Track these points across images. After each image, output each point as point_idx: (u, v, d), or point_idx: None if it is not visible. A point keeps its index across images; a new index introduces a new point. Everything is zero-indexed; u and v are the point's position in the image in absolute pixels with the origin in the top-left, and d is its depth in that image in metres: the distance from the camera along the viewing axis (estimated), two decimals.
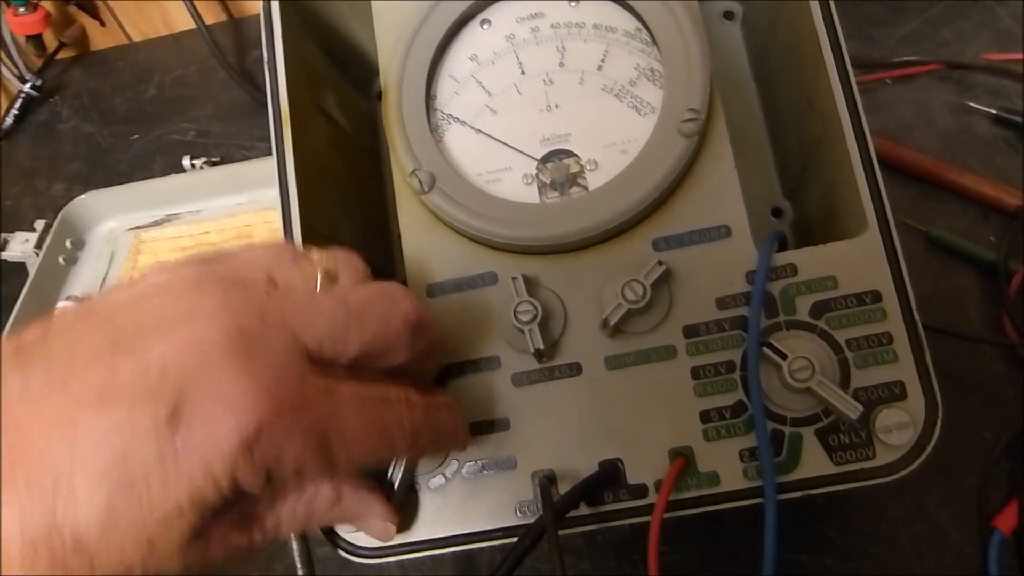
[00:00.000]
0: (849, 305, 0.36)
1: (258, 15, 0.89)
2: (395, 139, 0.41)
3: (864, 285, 0.37)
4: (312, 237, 0.43)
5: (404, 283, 0.41)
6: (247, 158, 0.79)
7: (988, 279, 0.56)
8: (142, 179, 0.78)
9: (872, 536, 0.48)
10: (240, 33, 0.91)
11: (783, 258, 0.37)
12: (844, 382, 0.36)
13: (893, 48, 0.71)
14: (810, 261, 0.37)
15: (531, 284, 0.38)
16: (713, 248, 0.38)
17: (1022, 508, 0.46)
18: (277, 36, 0.45)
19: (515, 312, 0.37)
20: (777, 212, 0.49)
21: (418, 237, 0.41)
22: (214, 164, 0.78)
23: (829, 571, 0.47)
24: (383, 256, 0.49)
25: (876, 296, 0.36)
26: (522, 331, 0.37)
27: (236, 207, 0.74)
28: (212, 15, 0.91)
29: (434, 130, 0.42)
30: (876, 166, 0.38)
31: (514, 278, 0.38)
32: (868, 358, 0.36)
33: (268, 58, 0.45)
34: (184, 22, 0.92)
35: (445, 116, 0.42)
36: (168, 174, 0.79)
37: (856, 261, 0.37)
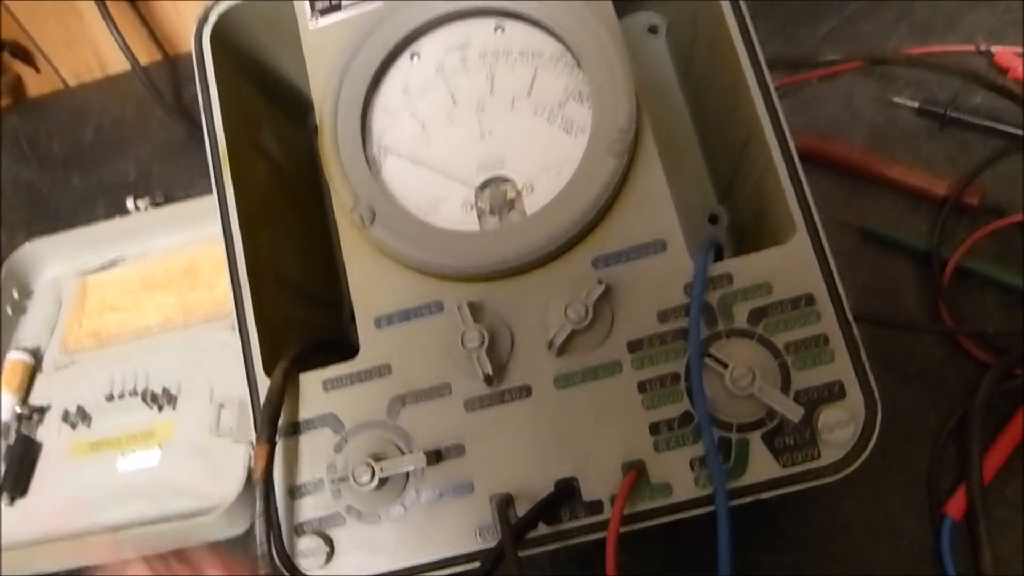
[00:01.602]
0: (785, 310, 0.38)
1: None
2: (333, 175, 0.41)
3: (797, 289, 0.38)
4: (257, 273, 0.43)
5: (352, 315, 0.41)
6: (190, 195, 0.78)
7: (922, 267, 0.58)
8: (85, 222, 0.77)
9: (827, 530, 0.49)
10: (175, 71, 0.90)
11: (719, 268, 0.39)
12: (785, 385, 0.37)
13: (816, 46, 0.72)
14: (744, 269, 0.38)
15: (476, 310, 0.39)
16: (650, 263, 0.39)
17: (970, 493, 0.47)
18: (210, 79, 0.45)
19: (462, 339, 0.37)
20: (714, 218, 0.50)
21: (363, 270, 0.41)
22: (158, 204, 0.78)
23: (787, 568, 0.48)
24: (329, 286, 0.49)
25: (810, 299, 0.38)
26: (470, 358, 0.37)
27: (181, 245, 0.74)
28: (146, 54, 0.90)
29: (371, 163, 0.42)
30: (800, 170, 0.39)
31: (459, 306, 0.38)
32: (806, 360, 0.37)
33: (203, 102, 0.45)
34: (119, 63, 0.91)
35: (381, 149, 0.43)
36: (111, 215, 0.78)
37: (788, 266, 0.38)
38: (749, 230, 0.46)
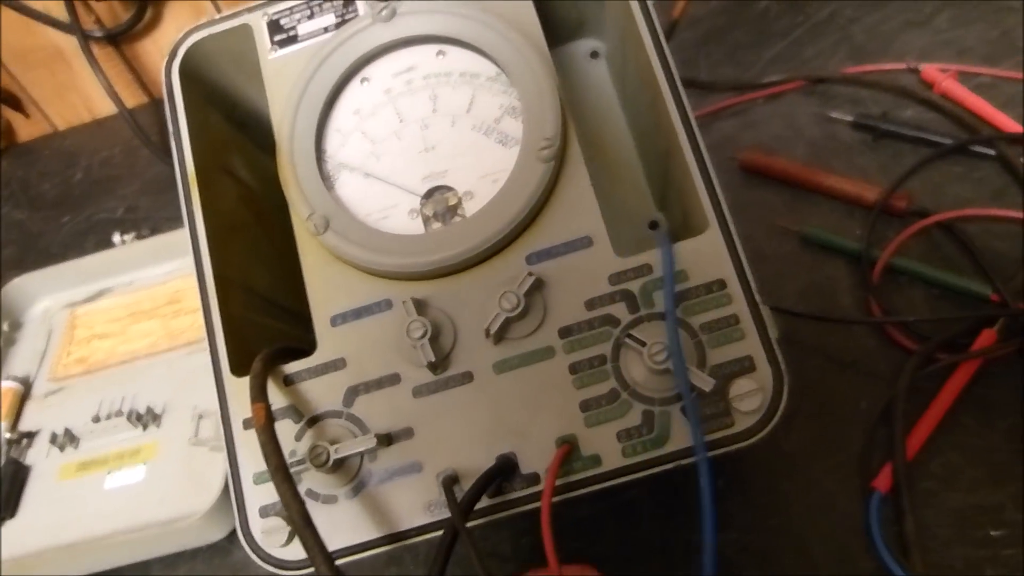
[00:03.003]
0: (699, 294, 0.41)
1: None
2: (290, 189, 0.45)
3: (710, 275, 0.42)
4: (225, 284, 0.47)
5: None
6: (175, 228, 0.82)
7: (856, 268, 0.61)
8: (75, 258, 0.81)
9: (769, 508, 0.52)
10: (160, 112, 0.95)
11: (638, 259, 0.42)
12: (701, 362, 0.40)
13: (762, 69, 0.77)
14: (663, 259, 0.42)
15: (421, 305, 0.42)
16: (578, 257, 0.43)
17: (895, 468, 0.50)
18: (179, 109, 0.49)
19: (407, 331, 0.41)
20: (654, 224, 0.54)
21: (319, 274, 0.45)
22: (143, 238, 0.82)
23: (733, 545, 0.51)
24: (295, 296, 0.53)
25: (721, 284, 0.41)
26: (416, 348, 0.41)
27: (166, 275, 0.78)
28: (132, 98, 0.95)
29: (326, 178, 0.46)
30: (711, 170, 0.43)
31: (404, 302, 0.42)
32: (720, 338, 0.41)
33: (172, 129, 0.49)
34: (107, 107, 0.96)
35: (335, 164, 0.47)
36: (100, 251, 0.82)
37: (702, 255, 0.42)
38: (680, 233, 0.50)
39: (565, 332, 0.42)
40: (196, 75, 0.51)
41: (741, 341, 0.41)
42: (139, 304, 0.77)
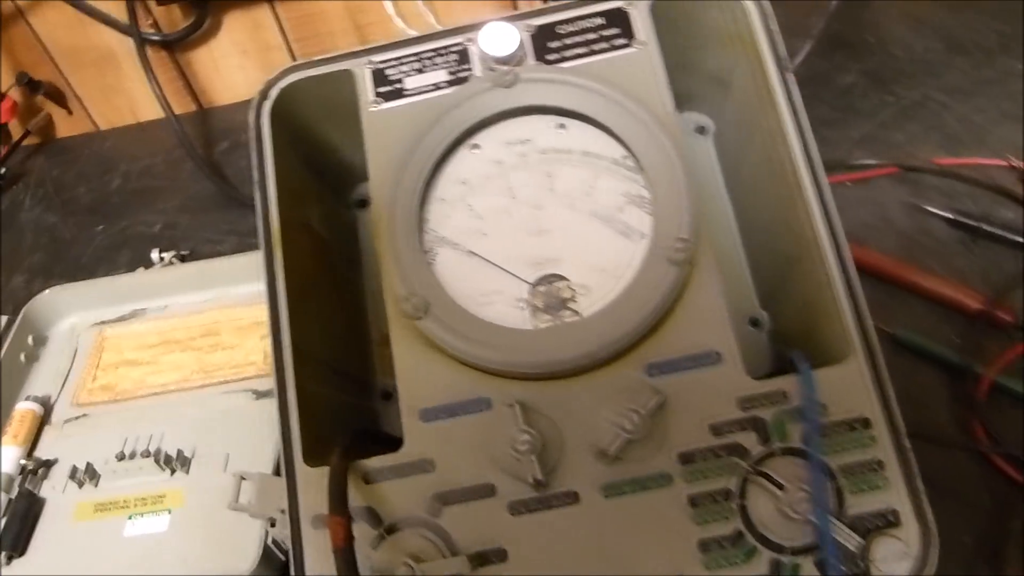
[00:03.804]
0: (840, 432, 0.37)
1: (227, 105, 0.90)
2: (388, 264, 0.41)
3: (853, 411, 0.37)
4: (300, 356, 0.43)
5: (383, 394, 0.41)
6: (216, 251, 0.78)
7: (954, 379, 0.57)
8: (106, 272, 0.77)
9: None
10: (208, 123, 0.91)
11: (773, 384, 0.38)
12: (839, 509, 0.36)
13: (848, 150, 0.74)
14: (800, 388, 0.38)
15: (526, 411, 0.38)
16: (705, 374, 0.39)
17: None
18: (267, 156, 0.45)
19: (513, 441, 0.37)
20: (755, 322, 0.50)
21: (411, 361, 0.41)
22: (183, 258, 0.78)
23: None
24: (360, 362, 0.49)
25: (866, 423, 0.37)
26: (520, 460, 0.37)
27: (203, 304, 0.73)
28: (180, 105, 0.91)
29: (426, 252, 0.42)
30: (860, 294, 0.39)
31: (510, 406, 0.38)
32: (862, 484, 0.37)
33: (258, 178, 0.45)
34: (152, 111, 0.92)
35: (436, 238, 0.43)
36: (133, 267, 0.78)
37: (844, 387, 0.38)
38: (793, 340, 0.46)
39: (686, 459, 0.38)
40: (281, 117, 0.47)
41: (886, 490, 0.36)
42: (172, 332, 0.72)
